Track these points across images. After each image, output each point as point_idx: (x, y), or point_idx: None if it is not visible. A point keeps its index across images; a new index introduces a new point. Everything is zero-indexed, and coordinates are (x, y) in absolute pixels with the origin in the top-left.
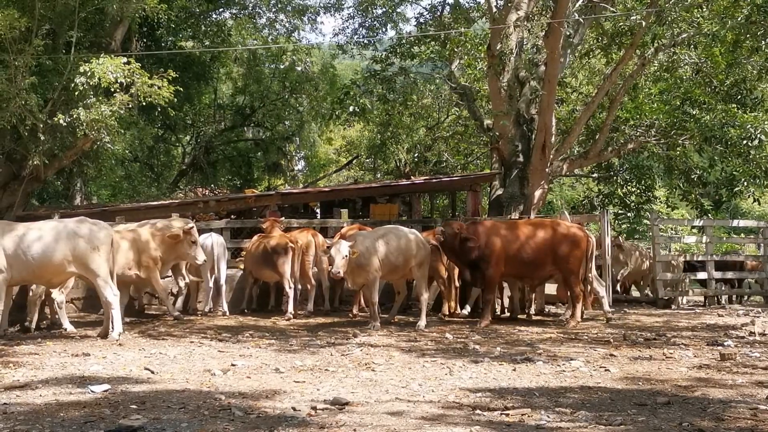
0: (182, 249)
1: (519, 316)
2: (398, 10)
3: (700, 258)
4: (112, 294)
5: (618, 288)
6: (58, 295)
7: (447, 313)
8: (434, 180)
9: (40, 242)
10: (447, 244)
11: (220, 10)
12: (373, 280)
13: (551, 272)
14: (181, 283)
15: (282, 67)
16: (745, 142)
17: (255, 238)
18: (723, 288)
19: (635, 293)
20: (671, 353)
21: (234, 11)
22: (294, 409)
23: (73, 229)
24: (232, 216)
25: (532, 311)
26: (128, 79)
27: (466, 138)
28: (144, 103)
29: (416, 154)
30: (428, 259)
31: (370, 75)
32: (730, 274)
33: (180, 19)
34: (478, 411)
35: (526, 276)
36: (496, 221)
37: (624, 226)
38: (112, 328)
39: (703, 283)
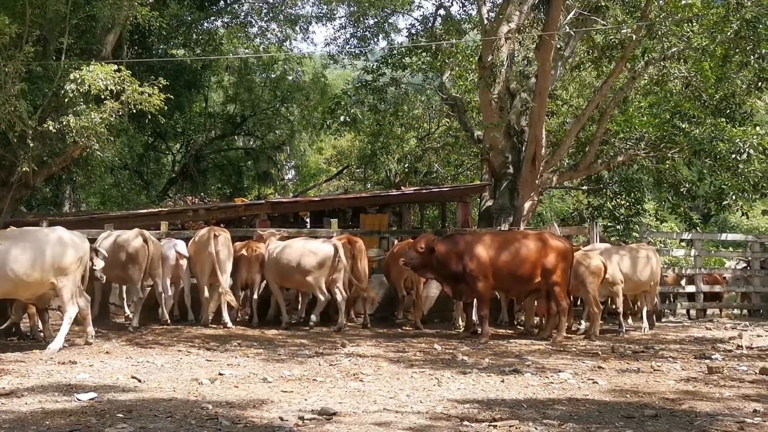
0: None
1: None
2: (390, 20)
3: (688, 271)
4: None
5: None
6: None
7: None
8: (424, 191)
9: None
10: (418, 266)
11: (212, 18)
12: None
13: (538, 285)
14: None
15: (273, 76)
16: (733, 156)
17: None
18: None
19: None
20: (659, 366)
21: (226, 20)
22: (281, 419)
23: None
24: (222, 225)
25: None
26: (119, 87)
27: (456, 149)
28: (134, 111)
29: (407, 165)
30: (317, 268)
31: (362, 85)
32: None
33: (171, 27)
34: (465, 422)
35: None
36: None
37: (613, 238)
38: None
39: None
